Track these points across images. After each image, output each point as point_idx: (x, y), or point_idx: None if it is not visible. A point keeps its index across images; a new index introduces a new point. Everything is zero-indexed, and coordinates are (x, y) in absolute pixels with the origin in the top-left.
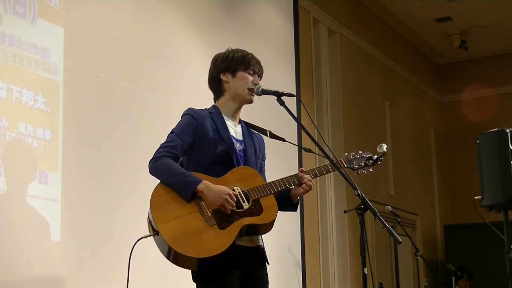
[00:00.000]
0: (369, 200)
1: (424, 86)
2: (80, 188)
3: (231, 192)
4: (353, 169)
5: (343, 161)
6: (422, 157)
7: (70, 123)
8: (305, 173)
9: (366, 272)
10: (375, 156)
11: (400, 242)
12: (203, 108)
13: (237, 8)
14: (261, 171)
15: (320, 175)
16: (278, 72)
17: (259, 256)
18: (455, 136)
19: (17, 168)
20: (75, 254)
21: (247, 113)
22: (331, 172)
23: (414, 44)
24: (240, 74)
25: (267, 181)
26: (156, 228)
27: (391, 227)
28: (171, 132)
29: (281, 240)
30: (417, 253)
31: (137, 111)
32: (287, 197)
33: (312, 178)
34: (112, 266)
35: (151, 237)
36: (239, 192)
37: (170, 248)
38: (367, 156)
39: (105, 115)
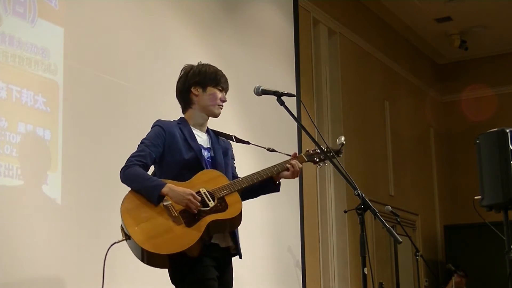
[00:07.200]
0: (369, 200)
1: (424, 86)
2: (80, 188)
3: (193, 192)
4: (314, 162)
5: (303, 156)
6: (422, 157)
7: (70, 123)
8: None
9: (366, 272)
10: (336, 149)
11: (400, 242)
12: (171, 120)
13: (237, 8)
14: (233, 169)
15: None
16: (278, 72)
17: (230, 258)
18: (455, 136)
19: (20, 166)
20: (75, 254)
21: (247, 113)
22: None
23: (414, 44)
24: (210, 89)
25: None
26: (128, 232)
27: (391, 227)
28: (141, 142)
29: (281, 240)
30: (417, 253)
31: (137, 111)
32: (270, 179)
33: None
34: (112, 266)
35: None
36: (204, 193)
37: (142, 250)
38: (327, 149)
39: (105, 115)
